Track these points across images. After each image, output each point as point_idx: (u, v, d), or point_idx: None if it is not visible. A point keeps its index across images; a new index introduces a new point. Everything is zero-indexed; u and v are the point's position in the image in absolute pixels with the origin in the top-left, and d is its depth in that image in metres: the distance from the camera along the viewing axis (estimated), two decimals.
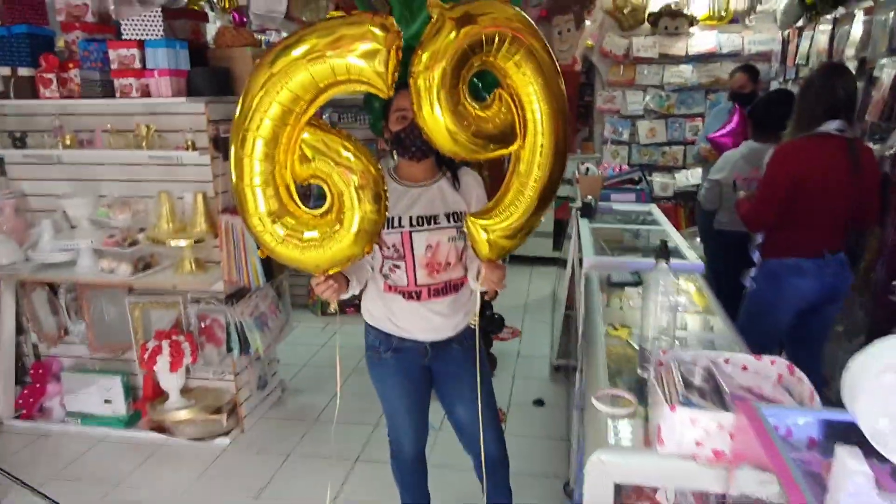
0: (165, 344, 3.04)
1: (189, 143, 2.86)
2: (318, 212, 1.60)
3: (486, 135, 1.54)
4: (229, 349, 3.10)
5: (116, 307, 3.29)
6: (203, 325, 3.22)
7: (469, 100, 1.52)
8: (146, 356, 3.05)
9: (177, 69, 2.78)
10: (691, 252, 2.47)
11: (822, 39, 4.38)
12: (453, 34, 1.45)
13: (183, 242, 2.92)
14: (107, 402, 3.25)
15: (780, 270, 2.53)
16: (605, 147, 6.18)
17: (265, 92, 1.46)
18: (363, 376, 2.19)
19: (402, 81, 1.55)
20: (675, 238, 2.77)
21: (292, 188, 1.59)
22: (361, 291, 1.94)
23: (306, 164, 1.55)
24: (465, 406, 2.02)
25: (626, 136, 6.11)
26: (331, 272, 1.65)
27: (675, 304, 1.55)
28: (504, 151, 1.59)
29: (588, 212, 3.12)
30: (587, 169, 3.38)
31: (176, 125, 2.96)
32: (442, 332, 1.98)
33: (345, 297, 1.81)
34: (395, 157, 1.98)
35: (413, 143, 1.84)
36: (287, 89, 1.45)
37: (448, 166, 1.99)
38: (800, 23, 4.98)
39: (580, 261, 2.63)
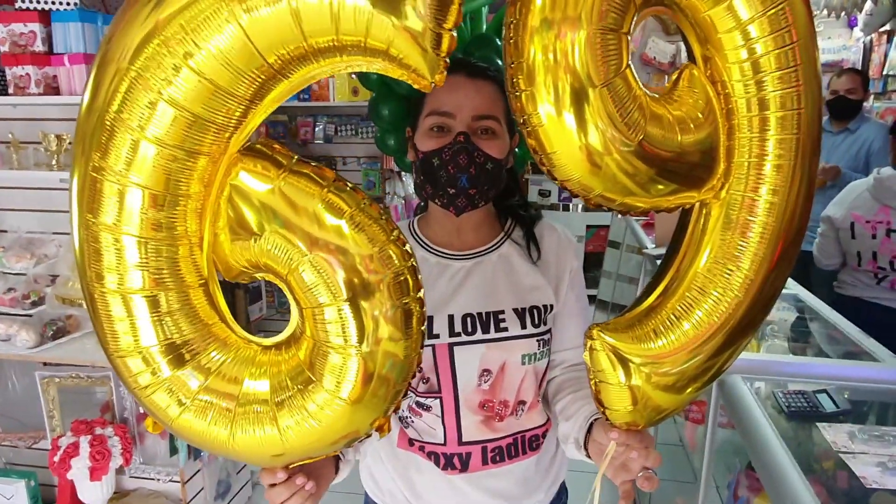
0: (84, 442, 2.17)
1: None
2: (268, 341, 0.75)
3: (658, 157, 0.68)
4: (173, 451, 2.22)
5: (27, 379, 2.43)
6: (142, 409, 2.34)
7: (635, 76, 0.67)
8: (57, 458, 2.18)
9: None
10: (873, 344, 1.61)
11: None
12: None
13: None
14: None
15: None
16: None
17: (136, 80, 0.60)
18: None
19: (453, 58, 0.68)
20: (823, 310, 1.91)
21: (217, 291, 0.73)
22: None
23: (244, 241, 0.69)
24: None
25: None
26: (297, 464, 0.79)
27: None
28: (683, 199, 0.73)
29: None
30: None
31: None
32: None
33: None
34: (421, 199, 1.13)
35: (456, 178, 0.95)
36: (191, 70, 0.59)
37: (517, 218, 1.11)
38: (888, 26, 4.19)
39: None
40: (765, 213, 0.71)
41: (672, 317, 0.75)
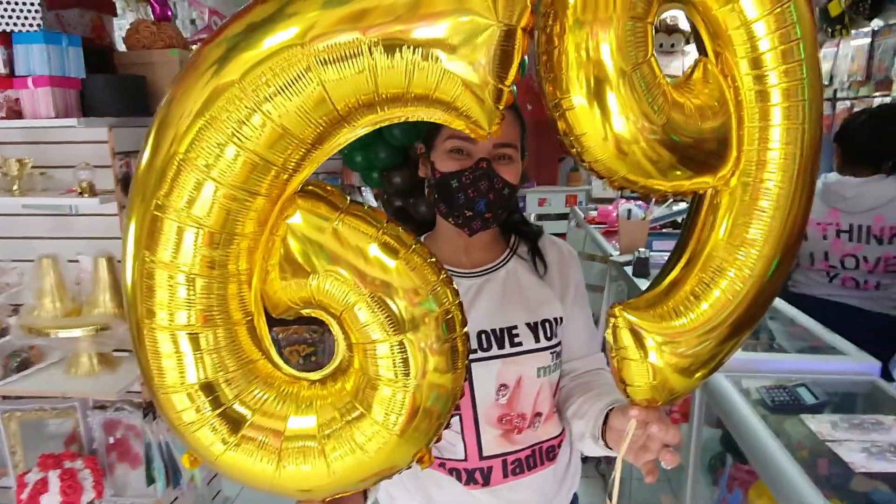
0: (54, 476, 2.09)
1: (85, 184, 1.94)
2: (315, 374, 0.76)
3: (680, 145, 0.72)
4: (150, 480, 2.16)
5: None
6: (112, 440, 2.28)
7: (658, 65, 0.71)
8: (25, 495, 2.08)
9: (64, 76, 1.87)
10: (836, 338, 1.71)
11: (852, 55, 3.84)
12: None
13: (77, 332, 1.97)
14: None
15: None
16: (595, 178, 5.47)
17: (209, 122, 0.62)
18: None
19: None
20: (784, 308, 2.03)
21: (263, 328, 0.74)
22: None
23: (299, 280, 0.70)
24: None
25: None
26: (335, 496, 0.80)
27: None
28: (698, 184, 0.77)
29: (643, 271, 2.34)
30: (629, 211, 2.62)
31: (65, 159, 2.03)
32: None
33: None
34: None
35: (475, 201, 1.00)
36: (264, 115, 0.61)
37: (520, 234, 1.17)
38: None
39: None
40: (773, 199, 0.75)
41: (691, 297, 0.79)
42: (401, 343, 0.70)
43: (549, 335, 1.08)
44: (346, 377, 0.74)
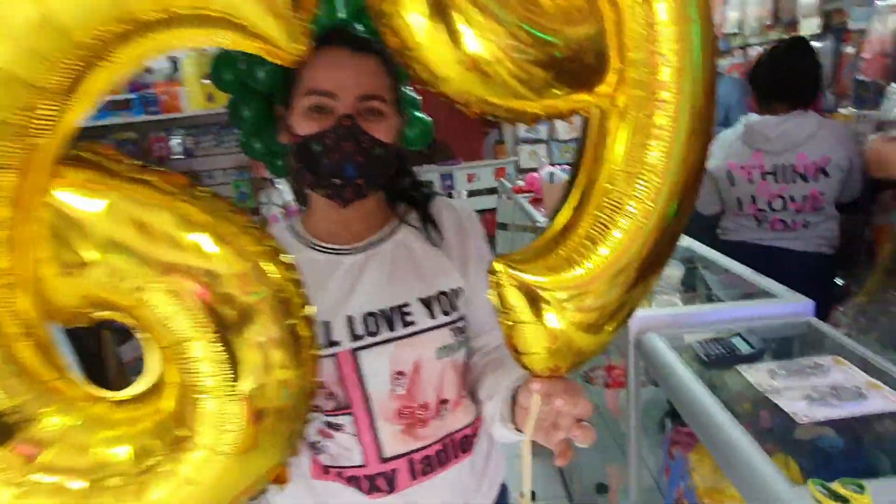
0: None
1: None
2: (122, 393, 0.61)
3: (547, 58, 0.59)
4: None
5: None
6: None
7: None
8: None
9: None
10: (768, 282, 1.64)
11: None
12: None
13: None
14: None
15: None
16: (520, 147, 5.41)
17: None
18: None
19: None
20: (714, 256, 1.96)
21: (48, 338, 0.58)
22: None
23: (74, 274, 0.54)
24: None
25: (543, 133, 5.35)
26: None
27: None
28: (576, 102, 0.63)
29: None
30: (551, 175, 2.51)
31: None
32: None
33: None
34: (299, 192, 1.02)
35: (341, 167, 0.85)
36: None
37: (410, 198, 1.02)
38: None
39: None
40: (672, 114, 0.62)
41: (587, 241, 0.65)
42: (220, 339, 0.55)
43: (446, 310, 0.94)
44: (163, 392, 0.58)
